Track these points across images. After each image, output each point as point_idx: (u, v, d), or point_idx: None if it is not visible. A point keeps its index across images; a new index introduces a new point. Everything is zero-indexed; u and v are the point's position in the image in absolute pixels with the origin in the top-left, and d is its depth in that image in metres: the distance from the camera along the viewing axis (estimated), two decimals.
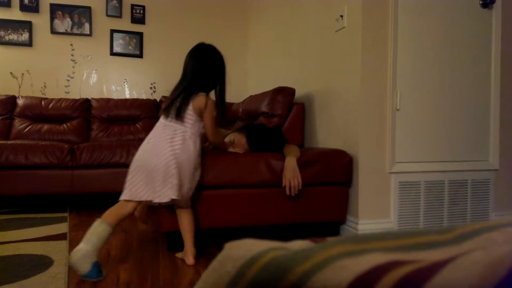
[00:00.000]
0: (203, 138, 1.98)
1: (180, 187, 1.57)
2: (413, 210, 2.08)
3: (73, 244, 1.47)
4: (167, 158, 1.55)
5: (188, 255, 1.66)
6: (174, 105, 1.61)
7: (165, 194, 1.54)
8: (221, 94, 1.69)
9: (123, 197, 1.56)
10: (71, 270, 1.48)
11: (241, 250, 0.32)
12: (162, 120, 1.65)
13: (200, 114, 1.64)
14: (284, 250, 0.32)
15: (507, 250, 0.28)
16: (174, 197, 1.55)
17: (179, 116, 1.60)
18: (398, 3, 2.02)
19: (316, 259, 0.30)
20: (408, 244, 0.35)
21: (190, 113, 1.61)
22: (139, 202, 1.57)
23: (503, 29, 2.22)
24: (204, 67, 1.66)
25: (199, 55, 1.68)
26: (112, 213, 1.52)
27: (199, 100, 1.62)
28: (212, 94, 1.73)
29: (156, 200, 1.55)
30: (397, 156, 2.05)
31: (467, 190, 2.18)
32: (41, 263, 1.62)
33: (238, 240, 0.35)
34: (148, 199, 1.55)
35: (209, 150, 1.97)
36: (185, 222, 1.68)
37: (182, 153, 1.58)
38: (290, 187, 1.82)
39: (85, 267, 1.40)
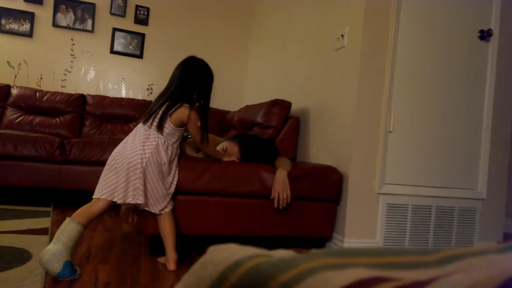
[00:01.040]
0: (195, 146, 1.98)
1: (146, 191, 1.58)
2: (399, 233, 2.09)
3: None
4: (135, 160, 1.56)
5: (169, 260, 1.64)
6: (154, 113, 1.63)
7: (128, 195, 1.55)
8: (204, 109, 1.69)
9: (94, 195, 1.56)
10: None
11: (224, 254, 0.32)
12: (140, 125, 1.67)
13: (179, 125, 1.65)
14: (268, 257, 0.32)
15: (488, 275, 0.28)
16: (138, 201, 1.55)
17: (157, 124, 1.61)
18: (398, 28, 2.06)
19: (299, 269, 0.30)
20: (391, 262, 0.35)
21: (168, 123, 1.63)
22: (110, 202, 1.56)
23: (499, 62, 2.27)
24: (190, 80, 1.67)
25: (187, 67, 1.70)
26: (83, 212, 1.51)
27: (182, 111, 1.63)
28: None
29: (119, 201, 1.55)
30: (387, 177, 2.06)
31: (453, 217, 2.19)
32: (20, 257, 1.58)
33: (221, 244, 0.35)
34: (114, 199, 1.55)
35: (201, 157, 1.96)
36: (165, 227, 1.66)
37: (152, 157, 1.58)
38: (278, 199, 1.82)
39: (56, 266, 1.38)
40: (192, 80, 1.67)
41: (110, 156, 1.62)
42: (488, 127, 2.27)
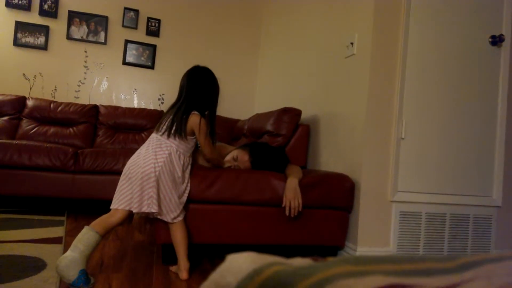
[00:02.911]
0: (201, 155, 2.00)
1: (159, 200, 1.59)
2: (413, 241, 2.06)
3: (68, 249, 1.46)
4: (148, 169, 1.58)
5: (182, 269, 1.64)
6: (166, 123, 1.66)
7: (143, 204, 1.57)
8: (211, 115, 1.74)
9: (112, 205, 1.59)
10: None
11: (242, 263, 0.32)
12: (153, 135, 1.70)
13: (190, 133, 1.68)
14: (285, 266, 0.32)
15: (509, 282, 0.28)
16: (152, 210, 1.56)
17: (170, 134, 1.64)
18: (408, 34, 2.05)
19: (317, 277, 0.30)
20: (409, 269, 0.35)
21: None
22: (128, 212, 1.58)
23: (511, 68, 2.25)
24: (198, 88, 1.70)
25: (194, 76, 1.73)
26: (101, 222, 1.53)
27: (193, 119, 1.66)
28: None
29: (135, 210, 1.57)
30: (400, 185, 2.04)
31: (468, 225, 2.16)
32: (34, 266, 1.60)
33: (239, 252, 0.35)
34: (131, 208, 1.57)
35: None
36: (178, 236, 1.67)
37: (165, 166, 1.60)
38: (290, 207, 1.81)
39: (71, 274, 1.39)
40: (198, 88, 1.71)
41: (125, 167, 1.66)
42: (502, 132, 2.23)
